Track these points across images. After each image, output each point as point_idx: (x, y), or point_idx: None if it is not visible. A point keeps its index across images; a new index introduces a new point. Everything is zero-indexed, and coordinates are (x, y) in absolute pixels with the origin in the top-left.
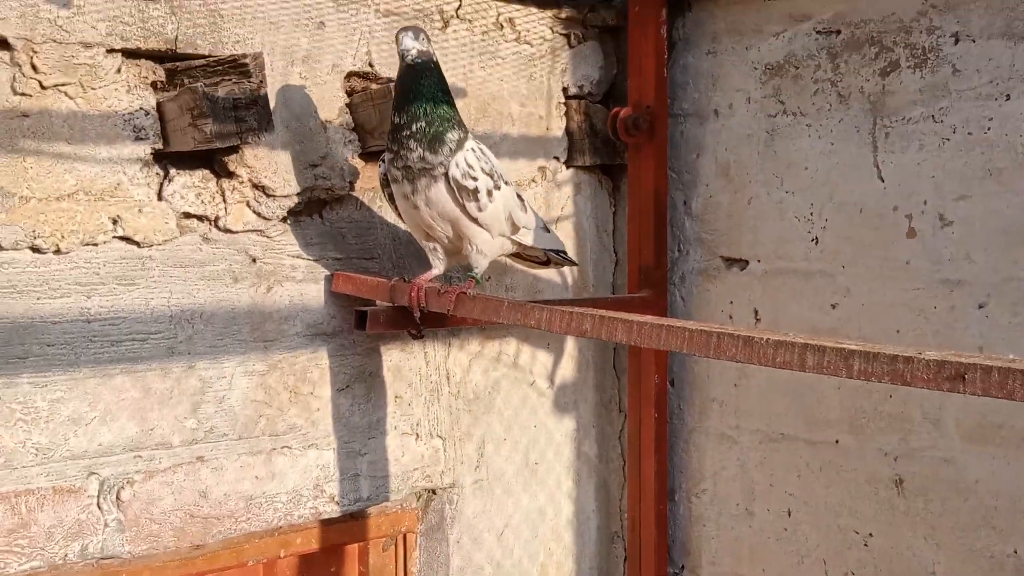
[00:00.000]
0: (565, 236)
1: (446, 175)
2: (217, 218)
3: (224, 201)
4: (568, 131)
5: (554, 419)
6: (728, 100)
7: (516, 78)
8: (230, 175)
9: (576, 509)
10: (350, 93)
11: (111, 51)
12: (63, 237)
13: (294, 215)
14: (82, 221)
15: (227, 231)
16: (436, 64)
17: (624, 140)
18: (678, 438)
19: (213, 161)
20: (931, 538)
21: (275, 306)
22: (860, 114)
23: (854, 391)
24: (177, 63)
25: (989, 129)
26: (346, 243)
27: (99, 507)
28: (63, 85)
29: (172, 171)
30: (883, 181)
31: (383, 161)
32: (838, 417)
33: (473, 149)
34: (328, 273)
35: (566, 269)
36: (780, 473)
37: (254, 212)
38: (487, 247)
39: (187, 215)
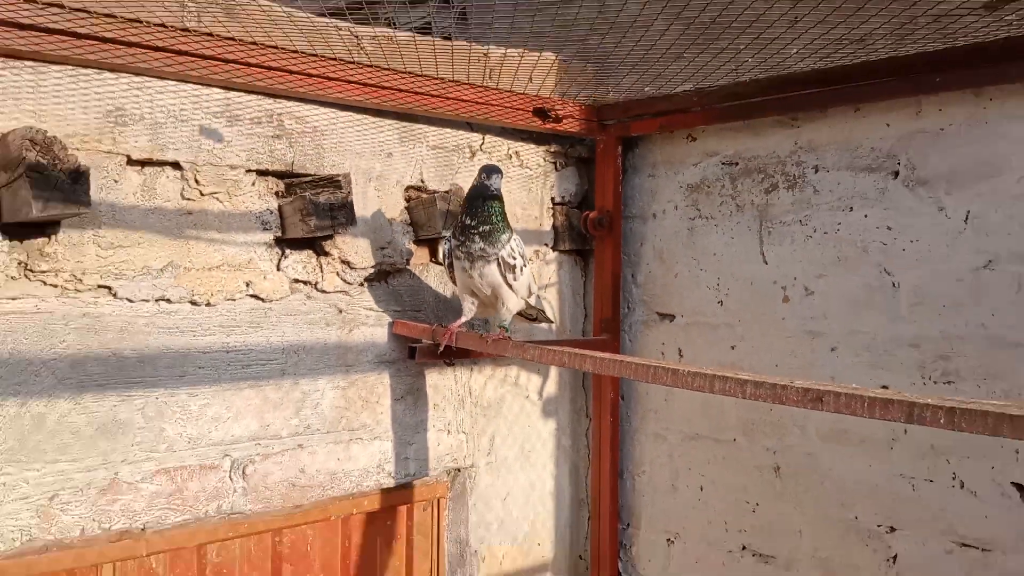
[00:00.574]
0: (552, 297)
1: (497, 257)
2: (316, 283)
3: (321, 271)
4: (554, 226)
5: (542, 421)
6: (662, 207)
7: (520, 191)
8: (326, 254)
9: (555, 484)
10: (408, 200)
11: (248, 171)
12: (212, 295)
13: (368, 281)
14: (225, 284)
15: (323, 291)
16: (501, 193)
17: (592, 233)
18: (626, 436)
19: (315, 245)
20: (798, 508)
21: (354, 342)
22: (751, 218)
23: (747, 406)
24: (292, 179)
25: (838, 230)
26: (403, 300)
27: (230, 479)
28: (215, 193)
29: (287, 251)
30: (767, 263)
31: (448, 243)
32: (735, 424)
33: (515, 240)
34: (391, 320)
35: (551, 322)
36: (695, 462)
37: (341, 279)
38: (513, 305)
39: (296, 281)
